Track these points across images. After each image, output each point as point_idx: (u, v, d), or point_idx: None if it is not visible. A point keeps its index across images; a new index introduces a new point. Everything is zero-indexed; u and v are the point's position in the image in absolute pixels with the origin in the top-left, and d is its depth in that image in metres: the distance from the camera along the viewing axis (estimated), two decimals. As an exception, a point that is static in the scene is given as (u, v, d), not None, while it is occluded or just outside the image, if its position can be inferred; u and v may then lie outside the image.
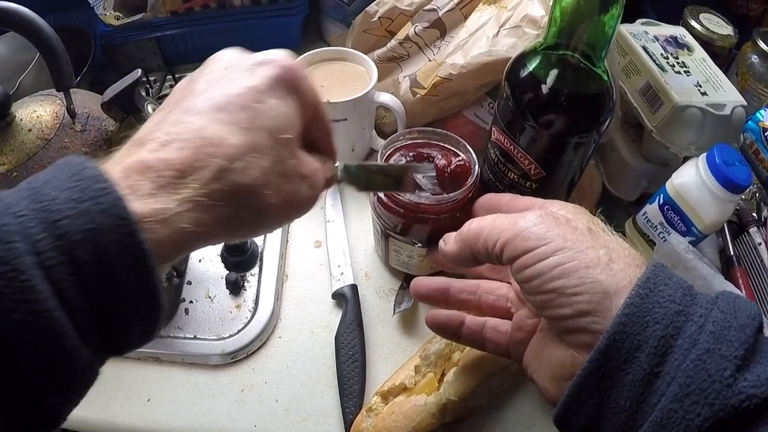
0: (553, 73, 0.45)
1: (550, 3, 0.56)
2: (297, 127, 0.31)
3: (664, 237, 0.61)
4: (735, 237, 0.67)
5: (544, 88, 0.45)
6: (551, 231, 0.32)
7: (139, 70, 0.55)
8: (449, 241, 0.39)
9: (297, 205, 0.31)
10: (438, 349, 0.48)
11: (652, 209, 0.62)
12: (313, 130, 0.34)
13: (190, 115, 0.27)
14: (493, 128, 0.51)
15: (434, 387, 0.48)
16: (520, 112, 0.47)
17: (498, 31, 0.59)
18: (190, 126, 0.26)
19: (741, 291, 0.59)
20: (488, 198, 0.43)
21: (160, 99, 0.81)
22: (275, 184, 0.28)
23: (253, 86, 0.29)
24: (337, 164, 0.37)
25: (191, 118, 0.27)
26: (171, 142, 0.26)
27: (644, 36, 0.66)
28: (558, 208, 0.36)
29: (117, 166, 0.25)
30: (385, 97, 0.66)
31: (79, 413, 0.53)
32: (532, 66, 0.47)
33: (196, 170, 0.25)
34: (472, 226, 0.37)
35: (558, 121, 0.46)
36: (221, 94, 0.28)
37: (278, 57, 0.31)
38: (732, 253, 0.65)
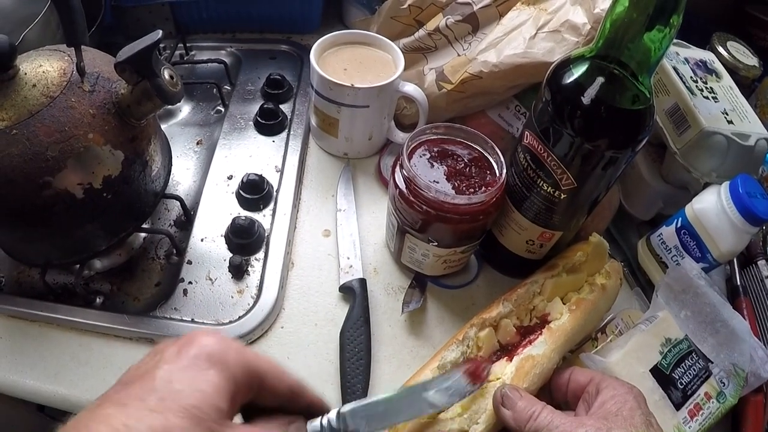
0: (598, 83, 0.44)
1: (594, 11, 0.55)
2: (220, 402, 0.28)
3: (677, 260, 0.60)
4: (742, 267, 0.67)
5: (588, 98, 0.44)
6: None
7: (160, 31, 0.51)
8: (509, 405, 0.42)
9: None
10: (455, 358, 0.47)
11: (668, 231, 0.61)
12: (267, 398, 0.31)
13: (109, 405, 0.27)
14: (526, 132, 0.50)
15: None
16: (559, 118, 0.45)
17: (536, 34, 0.58)
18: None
19: (746, 321, 0.58)
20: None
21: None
22: None
23: (168, 367, 0.28)
24: (328, 415, 0.32)
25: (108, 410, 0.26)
26: None
27: (675, 57, 0.65)
28: (610, 397, 0.41)
29: None
30: (410, 88, 0.64)
31: (64, 392, 0.52)
32: (578, 73, 0.45)
33: None
34: (529, 425, 0.41)
35: (598, 132, 0.44)
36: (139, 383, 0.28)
37: (201, 336, 0.30)
38: (739, 283, 0.65)
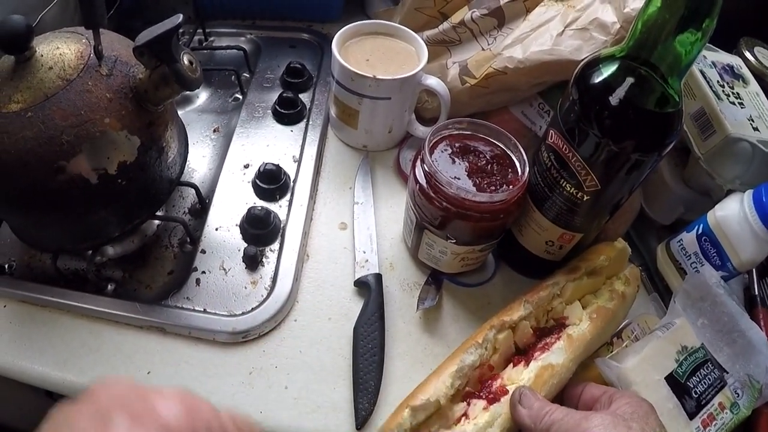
0: (628, 84, 0.43)
1: (624, 10, 0.54)
2: None
3: (696, 268, 0.60)
4: (761, 277, 0.66)
5: (616, 98, 0.43)
6: None
7: (180, 15, 0.50)
8: (526, 404, 0.43)
9: None
10: (473, 361, 0.46)
11: (688, 238, 0.60)
12: None
13: None
14: (551, 131, 0.49)
15: (458, 399, 0.46)
16: (586, 118, 0.44)
17: (563, 31, 0.57)
18: None
19: (763, 333, 0.58)
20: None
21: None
22: None
23: None
24: None
25: None
26: None
27: (702, 60, 0.64)
28: (625, 403, 0.41)
29: None
30: (433, 81, 0.63)
31: (73, 379, 0.51)
32: (607, 72, 0.44)
33: None
34: (544, 420, 0.41)
35: (625, 134, 0.43)
36: None
37: (158, 400, 0.26)
38: (757, 293, 0.64)
